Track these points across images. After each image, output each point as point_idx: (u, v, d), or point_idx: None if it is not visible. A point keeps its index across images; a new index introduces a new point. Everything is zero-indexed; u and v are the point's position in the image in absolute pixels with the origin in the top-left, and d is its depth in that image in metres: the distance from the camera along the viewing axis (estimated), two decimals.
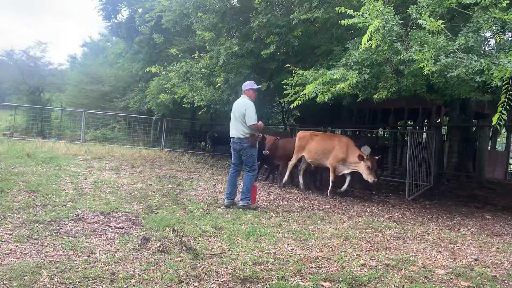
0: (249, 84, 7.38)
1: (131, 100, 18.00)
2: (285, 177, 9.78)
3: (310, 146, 9.38)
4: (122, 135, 18.47)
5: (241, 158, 7.24)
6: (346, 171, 8.99)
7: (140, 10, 16.47)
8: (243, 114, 7.04)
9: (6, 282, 3.31)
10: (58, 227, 4.94)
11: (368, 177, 8.49)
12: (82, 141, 16.07)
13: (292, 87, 7.90)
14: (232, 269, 4.00)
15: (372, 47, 6.36)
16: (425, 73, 5.99)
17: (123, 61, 21.64)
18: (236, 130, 7.14)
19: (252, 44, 10.54)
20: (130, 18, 17.53)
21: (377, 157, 8.82)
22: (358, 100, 8.27)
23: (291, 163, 9.70)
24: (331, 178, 9.04)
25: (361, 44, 6.33)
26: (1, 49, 29.43)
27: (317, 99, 7.07)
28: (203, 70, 11.49)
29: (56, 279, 3.44)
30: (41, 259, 3.88)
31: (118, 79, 20.74)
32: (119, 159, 11.83)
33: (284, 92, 8.19)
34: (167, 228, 5.25)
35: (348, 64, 7.08)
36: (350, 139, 9.56)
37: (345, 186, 9.09)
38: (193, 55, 12.01)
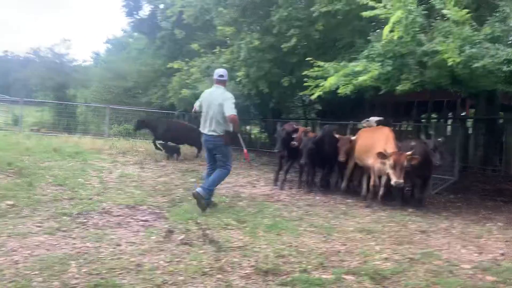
0: (226, 74, 6.55)
1: (153, 96, 18.21)
2: (344, 183, 8.42)
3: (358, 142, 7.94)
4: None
5: (214, 156, 6.36)
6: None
7: (161, 6, 16.60)
8: (222, 105, 6.07)
9: (37, 272, 3.43)
10: (85, 220, 5.08)
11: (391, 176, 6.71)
12: (106, 136, 16.37)
13: (313, 79, 7.86)
14: (254, 261, 4.05)
15: (395, 38, 6.27)
16: (449, 64, 5.87)
17: (145, 57, 21.87)
18: (210, 126, 6.19)
19: (273, 38, 10.52)
20: (152, 14, 17.69)
21: (408, 153, 6.79)
22: (380, 93, 8.16)
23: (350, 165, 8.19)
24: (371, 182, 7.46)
25: (383, 36, 6.26)
26: (29, 48, 30.11)
27: (339, 91, 7.03)
28: (224, 65, 11.51)
29: (84, 270, 3.55)
30: (70, 250, 4.01)
31: (141, 74, 20.98)
32: (143, 153, 12.02)
33: (304, 84, 8.16)
34: (190, 221, 5.33)
35: (370, 56, 7.00)
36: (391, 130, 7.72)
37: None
38: (214, 50, 12.06)
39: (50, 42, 50.92)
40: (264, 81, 11.23)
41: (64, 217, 5.10)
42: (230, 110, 6.03)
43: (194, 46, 13.16)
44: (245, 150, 6.91)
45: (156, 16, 17.26)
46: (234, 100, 6.16)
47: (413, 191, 7.75)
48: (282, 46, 9.88)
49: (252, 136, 22.14)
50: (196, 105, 6.61)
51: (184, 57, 14.57)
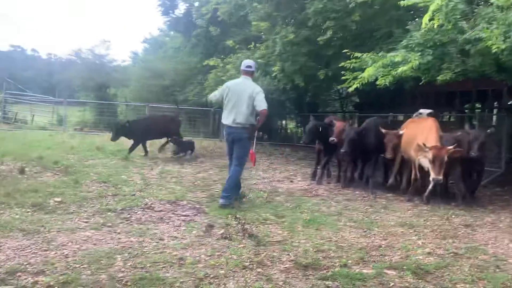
0: (253, 65, 6.43)
1: (190, 93, 18.50)
2: (391, 179, 8.03)
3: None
4: (183, 127, 19.04)
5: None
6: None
7: (196, 4, 16.82)
8: (252, 98, 5.94)
9: (85, 265, 3.58)
10: (129, 215, 5.25)
11: (430, 171, 6.35)
12: None
13: (351, 72, 7.74)
14: (294, 256, 4.05)
15: (435, 27, 6.08)
16: (493, 51, 5.63)
17: (181, 55, 22.21)
18: (236, 117, 5.98)
19: (308, 31, 10.44)
20: (187, 12, 17.94)
21: (449, 147, 6.31)
22: (421, 83, 7.92)
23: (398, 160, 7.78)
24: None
25: (422, 25, 6.08)
26: (71, 50, 31.32)
27: (377, 82, 6.89)
28: (259, 60, 11.56)
29: (129, 264, 3.67)
30: (115, 245, 4.15)
31: (178, 72, 21.35)
32: None
33: (342, 77, 8.05)
34: (229, 216, 5.39)
35: (410, 46, 6.82)
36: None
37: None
38: (249, 46, 12.12)
39: (90, 44, 52.50)
40: (299, 75, 11.18)
41: (109, 213, 5.28)
42: (263, 104, 5.93)
43: (229, 42, 13.26)
44: (251, 151, 6.48)
45: (191, 14, 17.50)
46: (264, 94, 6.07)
47: (462, 184, 7.03)
48: (318, 39, 9.79)
49: (288, 131, 22.08)
50: (215, 95, 6.35)
51: (220, 54, 14.73)
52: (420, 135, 6.71)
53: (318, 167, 8.69)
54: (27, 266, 3.51)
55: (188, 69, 20.49)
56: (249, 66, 6.29)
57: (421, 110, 8.32)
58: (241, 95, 5.96)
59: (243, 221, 4.91)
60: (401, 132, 7.51)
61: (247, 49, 12.43)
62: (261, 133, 19.91)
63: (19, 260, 3.63)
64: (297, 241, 4.53)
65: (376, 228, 5.19)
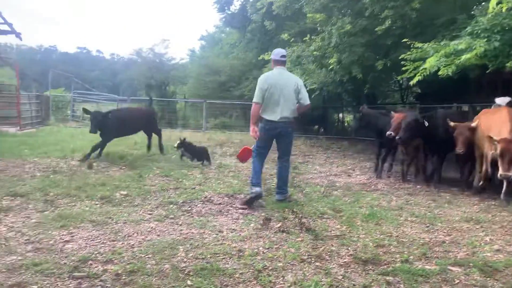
0: (285, 54, 6.13)
1: (246, 88, 18.68)
2: (475, 179, 6.98)
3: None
4: (240, 122, 19.31)
5: (271, 145, 6.03)
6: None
7: None
8: (297, 91, 5.75)
9: (150, 255, 3.76)
10: (190, 208, 5.42)
11: (499, 166, 5.81)
12: (204, 130, 17.20)
13: (411, 62, 7.45)
14: (353, 250, 4.00)
15: (503, 10, 5.70)
16: None
17: (237, 51, 22.49)
18: (287, 111, 5.70)
19: (365, 21, 10.17)
20: (242, 8, 18.11)
21: None
22: (487, 71, 7.46)
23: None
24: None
25: (489, 9, 5.72)
26: (132, 49, 32.74)
27: (439, 72, 6.59)
28: (314, 52, 11.43)
29: (191, 255, 3.80)
30: (177, 236, 4.31)
31: (233, 68, 21.65)
32: (238, 144, 12.42)
33: (402, 68, 7.78)
34: (286, 209, 5.41)
35: (475, 32, 6.46)
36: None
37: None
38: (304, 39, 12.00)
39: (150, 43, 54.42)
40: (357, 66, 10.93)
41: (171, 205, 5.49)
42: (307, 98, 5.84)
43: (284, 36, 13.21)
44: (249, 148, 6.54)
45: (246, 10, 17.64)
46: None
47: None
48: (376, 29, 9.52)
49: (345, 124, 21.70)
50: (260, 98, 5.68)
51: (275, 48, 14.72)
52: (493, 126, 6.14)
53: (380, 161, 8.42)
54: (97, 255, 3.74)
55: (243, 65, 20.73)
56: (284, 56, 6.00)
57: (498, 100, 7.65)
58: (285, 89, 5.67)
59: (300, 215, 4.92)
60: (473, 124, 6.82)
61: (302, 41, 12.32)
62: (316, 126, 19.76)
63: (90, 249, 3.88)
64: (356, 236, 4.47)
65: (440, 223, 4.99)
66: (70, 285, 3.20)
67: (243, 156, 6.84)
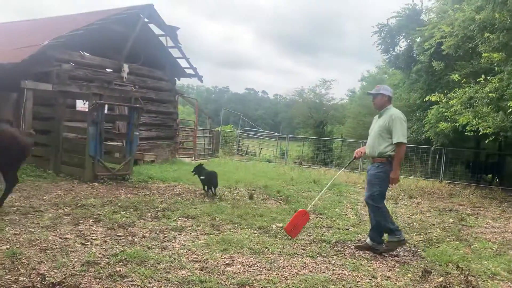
0: None
1: (408, 130, 17.83)
2: None
3: None
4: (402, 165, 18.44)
5: None
6: None
7: (418, 39, 16.36)
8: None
9: None
10: (342, 248, 5.35)
11: None
12: (360, 170, 16.87)
13: None
14: None
15: None
16: None
17: (400, 92, 21.80)
18: None
19: None
20: (408, 49, 17.63)
21: None
22: None
23: None
24: None
25: None
26: (294, 90, 34.48)
27: None
28: (490, 94, 10.40)
29: None
30: (329, 275, 4.29)
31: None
32: (397, 189, 11.83)
33: None
34: (449, 264, 4.93)
35: None
36: None
37: None
38: (478, 79, 11.04)
39: (312, 84, 56.54)
40: None
41: (324, 244, 5.50)
42: None
43: (454, 76, 12.36)
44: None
45: (412, 50, 17.13)
46: None
47: None
48: None
49: None
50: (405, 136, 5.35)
51: (443, 89, 13.88)
52: None
53: None
54: (254, 281, 3.95)
55: (406, 105, 19.90)
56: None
57: None
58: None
59: (467, 272, 4.42)
60: None
61: (476, 82, 11.33)
62: (489, 175, 17.62)
63: (247, 275, 4.12)
64: None
65: None
66: None
67: (296, 225, 5.58)
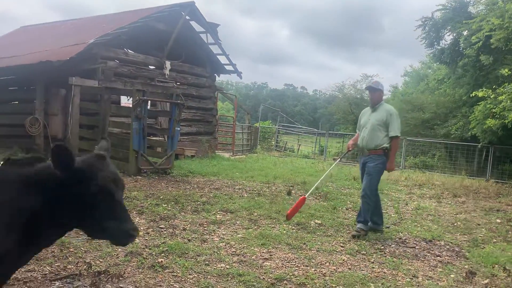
0: None
1: (452, 127, 17.22)
2: None
3: None
4: (443, 163, 17.85)
5: None
6: None
7: (465, 33, 15.73)
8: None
9: (341, 287, 3.79)
10: (383, 247, 5.26)
11: None
12: (402, 168, 16.48)
13: None
14: None
15: None
16: None
17: (445, 87, 21.11)
18: None
19: None
20: (454, 43, 16.98)
21: None
22: None
23: None
24: None
25: None
26: (334, 85, 34.01)
27: None
28: None
29: None
30: (368, 273, 4.24)
31: (439, 105, 20.26)
32: (440, 187, 11.48)
33: None
34: (496, 265, 4.74)
35: None
36: None
37: None
38: None
39: (351, 79, 55.67)
40: None
41: (364, 242, 5.42)
42: None
43: (504, 71, 11.80)
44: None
45: (458, 44, 16.51)
46: None
47: None
48: None
49: None
50: None
51: (491, 84, 13.30)
52: None
53: None
54: (291, 276, 3.97)
55: (451, 101, 19.21)
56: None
57: None
58: None
59: None
60: None
61: None
62: None
63: (285, 270, 4.14)
64: None
65: None
66: None
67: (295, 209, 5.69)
